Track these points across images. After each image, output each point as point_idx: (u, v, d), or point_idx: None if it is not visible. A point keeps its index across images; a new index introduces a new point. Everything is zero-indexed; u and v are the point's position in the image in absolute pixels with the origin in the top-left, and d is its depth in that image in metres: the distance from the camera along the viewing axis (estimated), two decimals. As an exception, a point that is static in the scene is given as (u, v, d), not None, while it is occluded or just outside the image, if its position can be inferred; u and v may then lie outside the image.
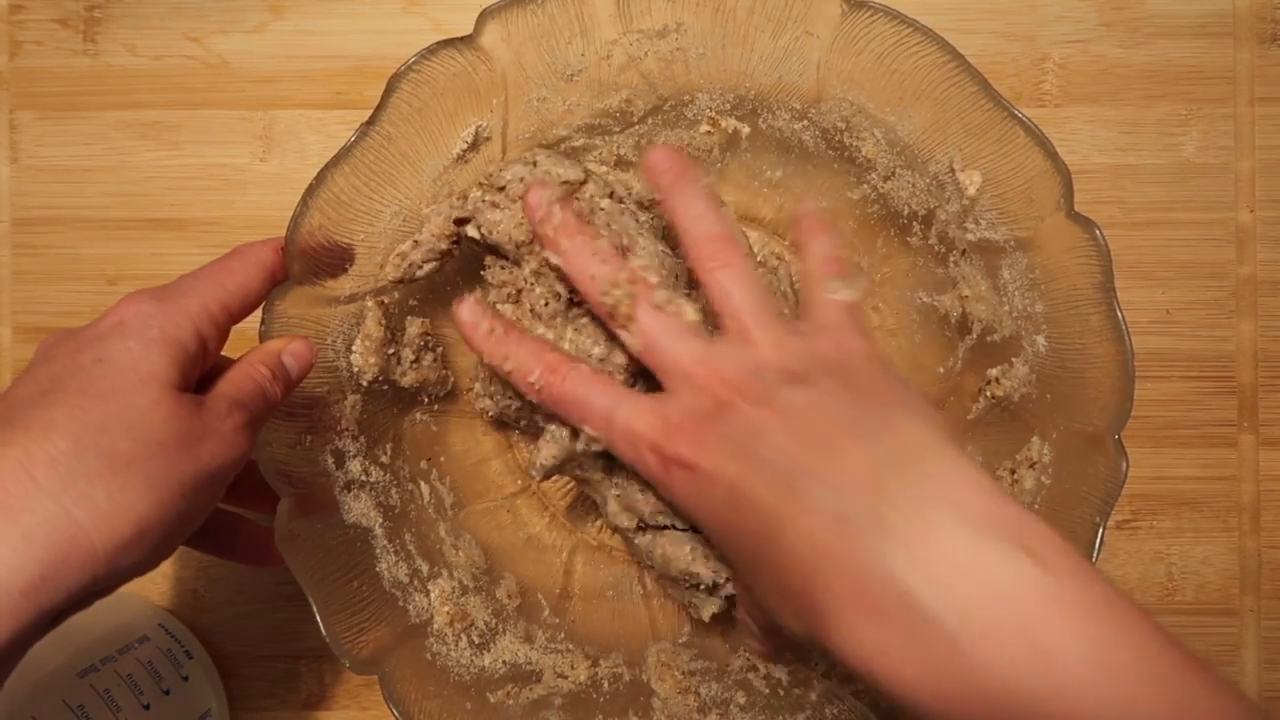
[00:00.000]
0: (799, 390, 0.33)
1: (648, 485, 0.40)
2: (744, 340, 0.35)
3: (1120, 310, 0.39)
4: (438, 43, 0.39)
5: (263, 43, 0.51)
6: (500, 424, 0.47)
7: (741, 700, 0.44)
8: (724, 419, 0.33)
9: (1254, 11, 0.51)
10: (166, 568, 0.51)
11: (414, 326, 0.45)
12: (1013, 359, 0.43)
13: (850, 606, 0.29)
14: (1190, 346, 0.51)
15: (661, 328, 0.36)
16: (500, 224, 0.41)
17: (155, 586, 0.51)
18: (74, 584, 0.29)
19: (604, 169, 0.45)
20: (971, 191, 0.42)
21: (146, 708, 0.44)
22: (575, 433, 0.38)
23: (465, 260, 0.47)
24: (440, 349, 0.46)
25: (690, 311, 0.37)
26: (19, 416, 0.30)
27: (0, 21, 0.51)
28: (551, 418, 0.40)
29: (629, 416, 0.35)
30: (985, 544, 0.29)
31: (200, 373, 0.35)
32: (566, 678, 0.45)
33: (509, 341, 0.38)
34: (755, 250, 0.50)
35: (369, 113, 0.39)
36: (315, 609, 0.39)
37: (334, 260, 0.41)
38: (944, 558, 0.29)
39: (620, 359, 0.39)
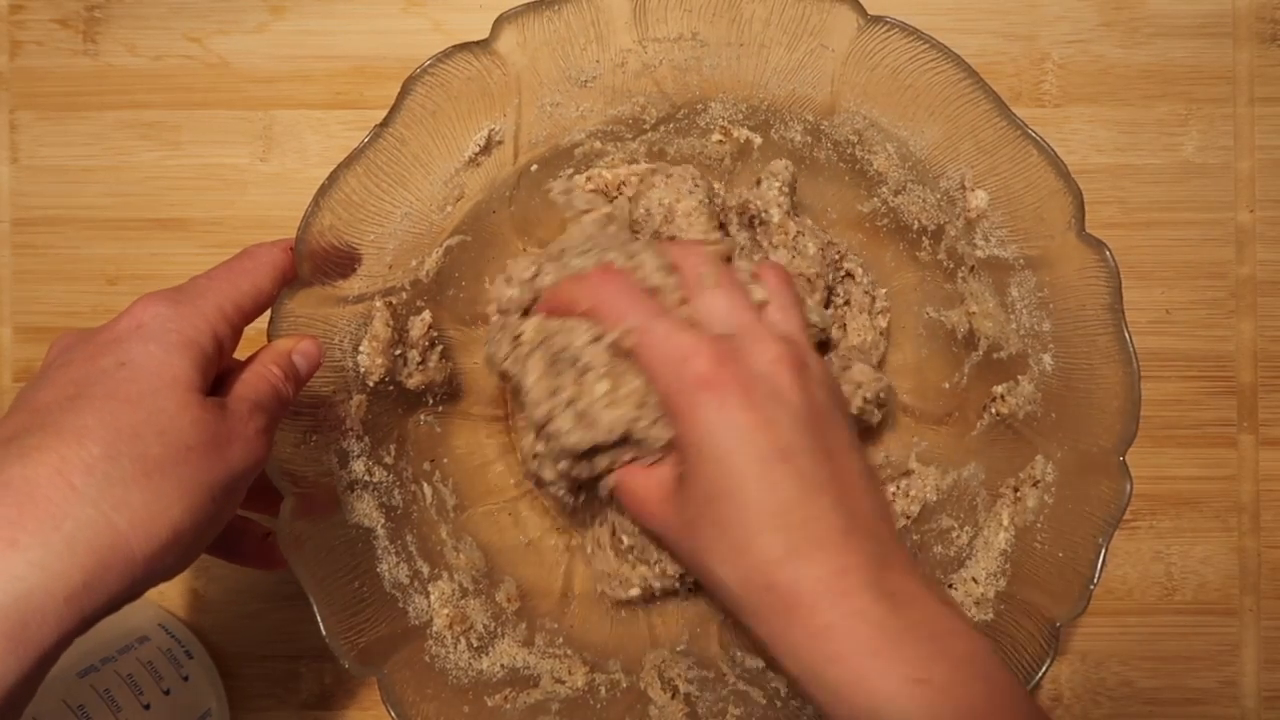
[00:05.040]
0: (829, 401, 0.38)
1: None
2: (793, 339, 0.39)
3: (1129, 333, 0.39)
4: (453, 46, 0.39)
5: (263, 43, 0.51)
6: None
7: (738, 711, 0.44)
8: (773, 378, 0.37)
9: (1254, 11, 0.51)
10: (167, 568, 0.51)
11: (417, 325, 0.45)
12: (1019, 376, 0.43)
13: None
14: (1190, 346, 0.51)
15: (736, 287, 0.40)
16: None
17: (156, 587, 0.51)
18: (115, 589, 0.29)
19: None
20: (973, 215, 0.42)
21: (147, 708, 0.44)
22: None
23: (474, 260, 0.47)
24: (443, 347, 0.46)
25: (760, 294, 0.40)
26: (48, 421, 0.30)
27: (0, 21, 0.51)
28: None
29: (674, 328, 0.37)
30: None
31: (215, 374, 0.35)
32: (564, 683, 0.45)
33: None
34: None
35: (369, 113, 0.40)
36: (316, 609, 0.39)
37: (343, 261, 0.41)
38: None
39: None
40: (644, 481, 0.39)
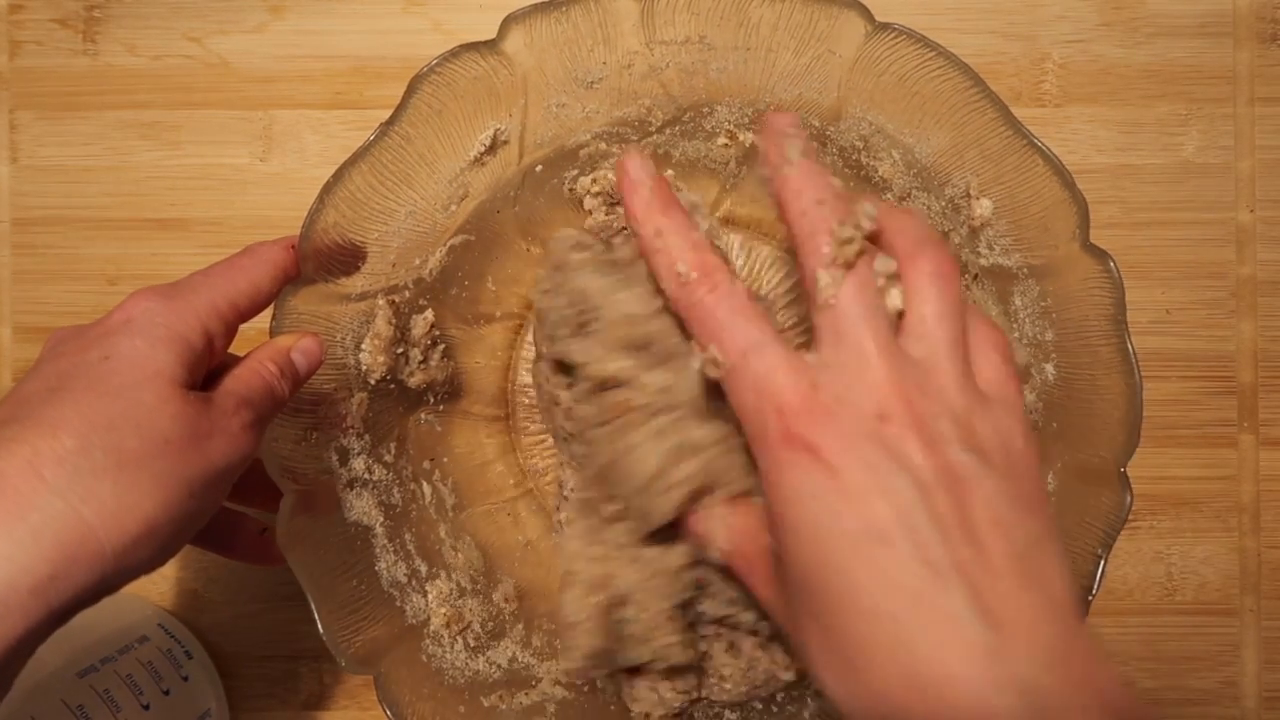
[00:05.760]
0: (972, 461, 0.28)
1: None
2: (932, 366, 0.29)
3: (1131, 344, 0.39)
4: (460, 46, 0.39)
5: (263, 43, 0.51)
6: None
7: (734, 717, 0.44)
8: (882, 435, 0.28)
9: (1254, 11, 0.51)
10: (166, 568, 0.50)
11: (420, 324, 0.45)
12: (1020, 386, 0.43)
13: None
14: (1190, 346, 0.51)
15: (864, 294, 0.29)
16: None
17: (155, 586, 0.51)
18: (83, 582, 0.29)
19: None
20: (977, 223, 0.42)
21: (146, 708, 0.44)
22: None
23: (477, 259, 0.47)
24: (445, 346, 0.46)
25: (898, 300, 0.30)
26: (26, 413, 0.30)
27: (0, 21, 0.51)
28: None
29: (772, 365, 0.29)
30: None
31: (207, 370, 0.35)
32: (561, 684, 0.45)
33: (667, 214, 0.32)
34: (769, 263, 0.50)
35: (369, 113, 0.40)
36: (313, 606, 0.39)
37: (347, 257, 0.41)
38: None
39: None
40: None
